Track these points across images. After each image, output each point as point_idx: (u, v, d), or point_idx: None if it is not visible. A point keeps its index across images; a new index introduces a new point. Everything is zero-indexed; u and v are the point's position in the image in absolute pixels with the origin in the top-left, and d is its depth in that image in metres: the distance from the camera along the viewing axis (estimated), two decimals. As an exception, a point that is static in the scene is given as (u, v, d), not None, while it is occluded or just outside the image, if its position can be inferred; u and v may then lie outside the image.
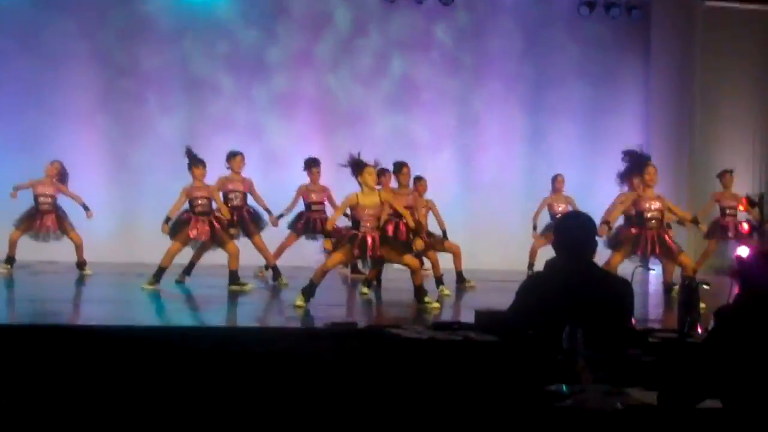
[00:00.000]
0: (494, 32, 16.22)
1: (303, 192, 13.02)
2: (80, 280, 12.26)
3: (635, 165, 11.20)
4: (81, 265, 12.84)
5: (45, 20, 14.65)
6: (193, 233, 11.38)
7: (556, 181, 14.03)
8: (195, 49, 15.26)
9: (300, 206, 13.04)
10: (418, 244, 10.93)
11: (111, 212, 14.53)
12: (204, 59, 15.29)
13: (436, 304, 10.18)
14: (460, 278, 12.57)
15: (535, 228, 13.91)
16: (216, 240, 11.54)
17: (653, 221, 11.12)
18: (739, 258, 3.92)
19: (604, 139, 16.47)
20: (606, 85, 16.62)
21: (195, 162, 11.66)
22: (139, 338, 7.18)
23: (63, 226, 12.83)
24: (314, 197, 12.98)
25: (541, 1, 16.39)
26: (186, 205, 11.60)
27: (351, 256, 10.45)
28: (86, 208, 12.95)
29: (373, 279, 11.74)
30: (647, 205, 11.15)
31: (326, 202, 13.00)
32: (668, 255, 11.11)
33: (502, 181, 15.85)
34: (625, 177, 11.41)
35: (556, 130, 16.30)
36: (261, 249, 12.46)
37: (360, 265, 12.28)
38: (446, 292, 11.56)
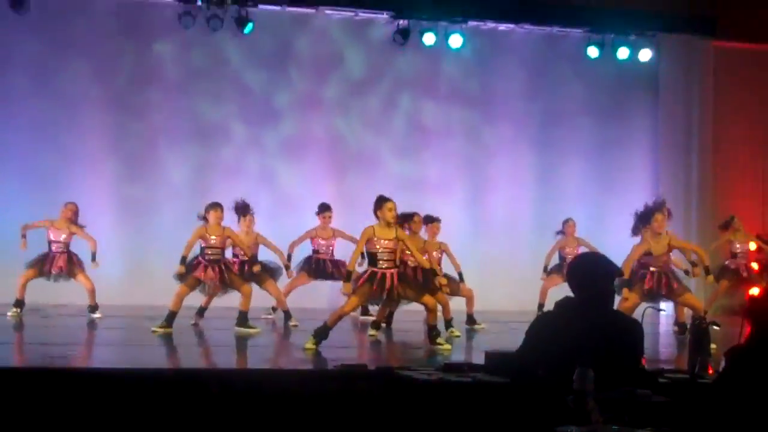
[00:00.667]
0: (503, 72, 16.27)
1: (312, 235, 13.14)
2: (91, 324, 12.23)
3: (642, 219, 11.45)
4: (93, 308, 12.82)
5: (60, 63, 14.72)
6: (201, 275, 11.38)
7: (567, 226, 14.07)
8: (205, 95, 15.30)
9: (307, 249, 13.11)
10: (442, 280, 10.99)
11: (121, 255, 14.55)
12: (213, 104, 15.34)
13: (448, 346, 10.18)
14: (471, 321, 12.62)
15: (546, 269, 13.94)
16: (227, 284, 11.54)
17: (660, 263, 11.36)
18: (750, 298, 3.91)
19: (614, 177, 16.50)
20: (615, 124, 16.63)
21: (212, 206, 11.68)
22: (150, 381, 7.19)
23: (73, 270, 12.82)
24: (323, 242, 13.13)
25: (549, 41, 16.46)
26: (198, 250, 11.59)
27: (368, 298, 10.45)
28: (93, 258, 12.88)
29: (382, 321, 11.75)
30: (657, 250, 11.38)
31: (334, 247, 13.18)
32: (673, 295, 11.23)
33: (512, 220, 15.84)
34: (635, 232, 11.59)
35: (565, 169, 16.31)
36: (276, 294, 12.51)
37: (369, 306, 12.32)
38: (456, 333, 11.57)
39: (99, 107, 14.88)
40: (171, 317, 11.12)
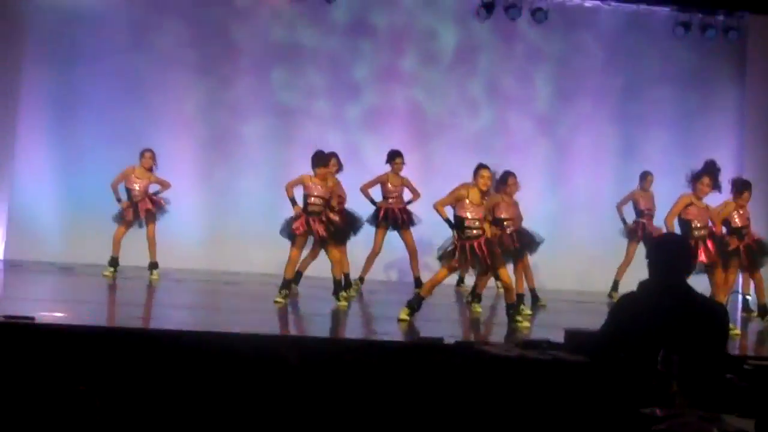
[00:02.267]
0: (586, 49, 16.01)
1: (383, 180, 13.16)
2: (163, 286, 12.37)
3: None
4: (153, 265, 12.86)
5: (157, 24, 14.80)
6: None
7: (645, 180, 14.03)
8: (286, 69, 15.28)
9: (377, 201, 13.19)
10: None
11: (200, 219, 14.69)
12: (294, 78, 15.30)
13: (527, 323, 10.16)
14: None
15: (624, 223, 13.96)
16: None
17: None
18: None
19: (698, 154, 16.19)
20: (700, 103, 16.33)
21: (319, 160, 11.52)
22: (225, 345, 7.29)
23: (154, 215, 12.85)
24: (392, 189, 13.10)
25: (635, 19, 16.22)
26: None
27: (458, 267, 10.39)
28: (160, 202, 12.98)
29: (480, 292, 11.66)
30: None
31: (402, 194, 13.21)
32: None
33: (593, 196, 15.65)
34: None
35: (648, 146, 16.08)
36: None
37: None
38: (526, 311, 11.42)
39: (191, 72, 14.92)
40: (287, 284, 11.14)
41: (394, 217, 13.05)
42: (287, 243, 11.32)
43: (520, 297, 11.31)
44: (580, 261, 15.21)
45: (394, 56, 15.55)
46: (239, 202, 14.79)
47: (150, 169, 13.02)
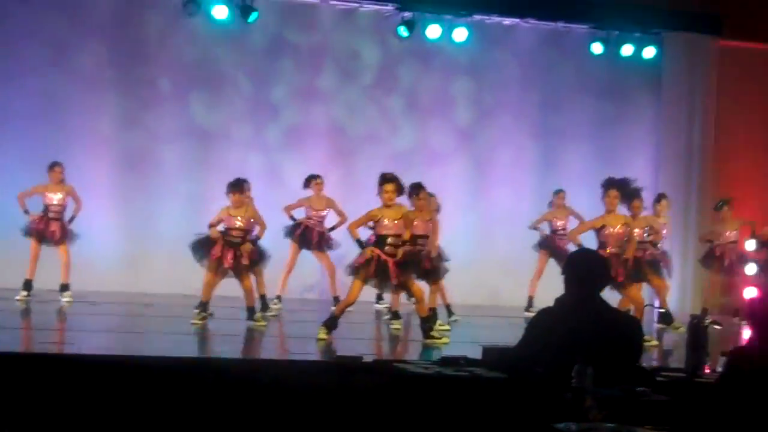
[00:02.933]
0: (506, 67, 16.18)
1: (306, 204, 13.22)
2: (77, 309, 12.12)
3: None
4: (64, 287, 12.59)
5: (76, 44, 14.55)
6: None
7: (557, 197, 14.24)
8: (205, 90, 15.14)
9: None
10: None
11: (118, 240, 14.46)
12: (213, 100, 15.16)
13: (445, 339, 10.13)
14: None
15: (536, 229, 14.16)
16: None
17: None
18: (750, 301, 3.87)
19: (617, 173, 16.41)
20: (617, 120, 16.53)
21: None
22: (143, 368, 7.14)
23: (63, 238, 12.59)
24: (313, 212, 13.21)
25: (553, 36, 16.37)
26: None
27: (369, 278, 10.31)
28: (71, 219, 12.68)
29: (397, 309, 11.62)
30: None
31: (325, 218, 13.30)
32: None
33: (514, 211, 15.71)
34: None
35: (567, 166, 16.22)
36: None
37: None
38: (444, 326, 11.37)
39: (109, 92, 14.72)
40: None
41: (309, 237, 13.00)
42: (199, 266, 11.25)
43: (434, 312, 11.13)
44: (501, 275, 15.27)
45: (313, 75, 15.49)
46: (157, 223, 14.59)
47: (62, 182, 12.75)
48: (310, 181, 13.24)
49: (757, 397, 3.35)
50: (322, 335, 9.83)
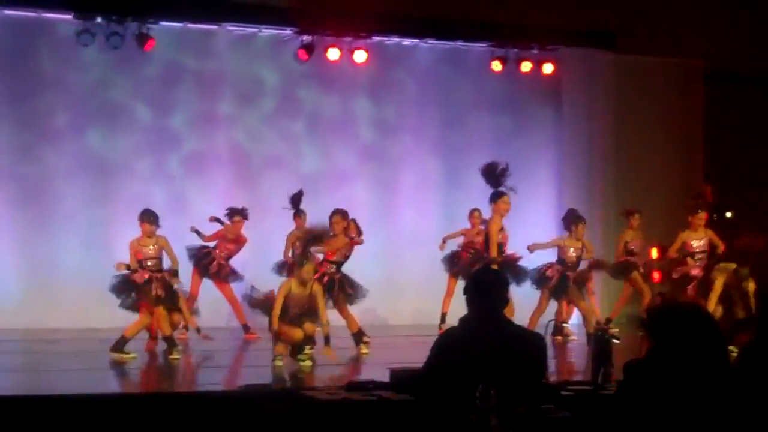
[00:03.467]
0: (407, 87, 16.28)
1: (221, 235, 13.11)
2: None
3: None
4: None
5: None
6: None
7: (472, 217, 14.21)
8: (105, 117, 14.94)
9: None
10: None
11: (14, 278, 14.15)
12: (112, 130, 14.95)
13: (308, 363, 10.03)
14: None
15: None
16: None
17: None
18: (648, 310, 3.92)
19: (519, 189, 16.56)
20: (519, 136, 16.71)
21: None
22: (41, 406, 6.98)
23: None
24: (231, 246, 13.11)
25: (453, 55, 16.52)
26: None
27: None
28: None
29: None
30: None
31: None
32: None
33: (418, 233, 15.76)
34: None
35: (470, 183, 16.29)
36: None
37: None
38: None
39: (5, 126, 14.42)
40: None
41: (210, 266, 12.88)
42: (105, 299, 11.03)
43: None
44: (413, 295, 15.28)
45: (213, 102, 15.37)
46: (59, 259, 14.30)
47: None
48: (232, 216, 13.20)
49: (652, 410, 3.37)
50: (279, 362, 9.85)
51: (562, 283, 12.32)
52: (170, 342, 10.67)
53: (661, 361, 3.41)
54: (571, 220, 12.78)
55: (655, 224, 15.15)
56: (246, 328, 12.95)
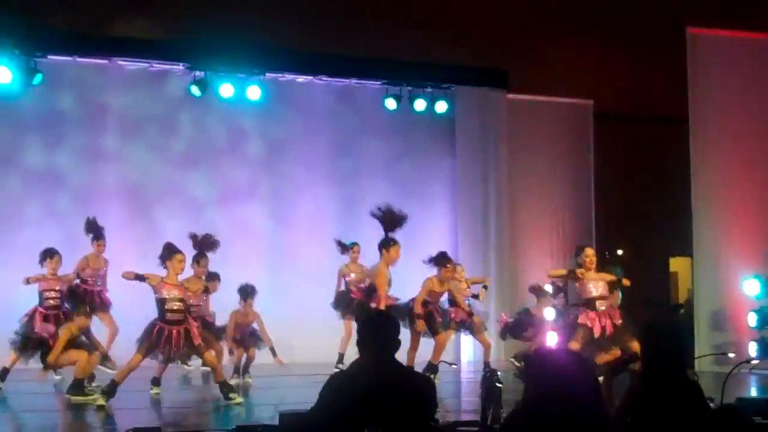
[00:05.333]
0: (302, 124, 16.27)
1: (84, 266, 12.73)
2: None
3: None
4: None
5: None
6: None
7: (352, 251, 14.00)
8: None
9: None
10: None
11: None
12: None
13: (240, 399, 9.95)
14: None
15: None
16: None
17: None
18: (526, 356, 3.92)
19: (413, 225, 16.62)
20: (413, 175, 16.85)
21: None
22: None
23: None
24: (89, 271, 12.72)
25: (347, 93, 16.59)
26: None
27: (154, 350, 10.05)
28: None
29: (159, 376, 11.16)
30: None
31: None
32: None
33: (314, 271, 15.67)
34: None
35: (364, 219, 16.35)
36: None
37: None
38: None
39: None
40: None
41: (90, 300, 12.48)
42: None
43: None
44: (309, 333, 15.14)
45: (100, 137, 15.20)
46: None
47: None
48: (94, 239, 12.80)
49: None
50: (101, 402, 9.55)
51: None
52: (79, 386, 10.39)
53: (535, 410, 3.41)
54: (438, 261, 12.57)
55: (544, 256, 15.35)
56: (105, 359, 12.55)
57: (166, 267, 10.08)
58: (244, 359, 12.20)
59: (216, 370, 10.16)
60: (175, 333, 9.89)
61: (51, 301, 11.46)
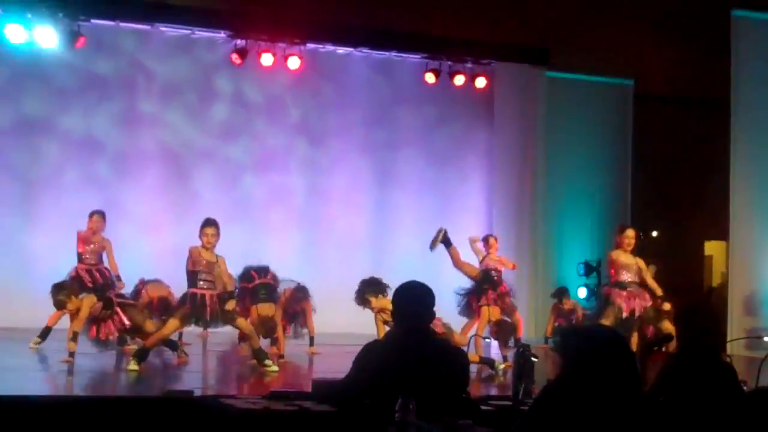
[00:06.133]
0: (340, 95, 16.31)
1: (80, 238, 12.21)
2: None
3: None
4: None
5: None
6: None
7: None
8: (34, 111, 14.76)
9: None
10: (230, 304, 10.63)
11: None
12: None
13: (275, 367, 10.04)
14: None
15: None
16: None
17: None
18: (561, 332, 3.92)
19: (449, 199, 16.70)
20: (451, 149, 16.86)
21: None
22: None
23: None
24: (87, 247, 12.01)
25: (387, 66, 16.57)
26: None
27: (188, 318, 10.17)
28: None
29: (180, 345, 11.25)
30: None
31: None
32: None
33: (349, 240, 15.76)
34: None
35: (401, 192, 16.41)
36: None
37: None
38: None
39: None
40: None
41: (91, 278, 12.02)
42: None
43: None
44: (345, 303, 15.14)
45: (139, 102, 15.24)
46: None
47: None
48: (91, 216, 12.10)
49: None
50: (133, 366, 9.65)
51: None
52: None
53: (571, 385, 3.41)
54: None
55: (583, 237, 15.32)
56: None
57: (200, 237, 10.17)
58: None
59: (252, 337, 10.22)
60: (208, 296, 9.97)
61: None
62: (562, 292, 14.85)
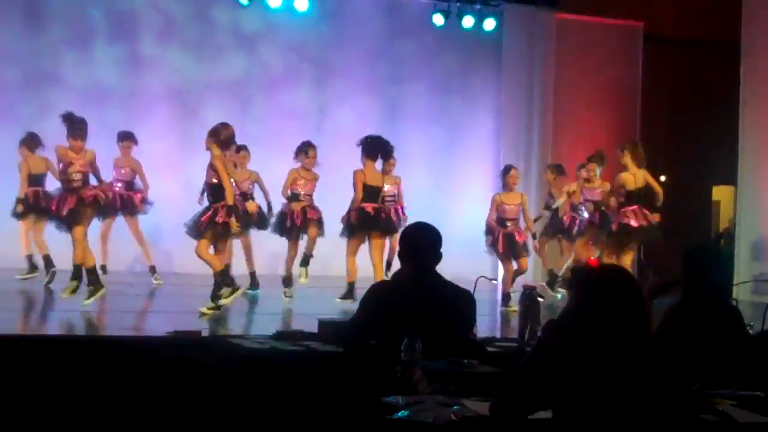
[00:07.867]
0: (348, 37, 16.20)
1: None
2: None
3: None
4: None
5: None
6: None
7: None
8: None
9: None
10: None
11: None
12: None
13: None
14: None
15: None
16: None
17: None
18: (573, 270, 3.92)
19: (458, 142, 16.68)
20: (459, 92, 16.80)
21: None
22: None
23: None
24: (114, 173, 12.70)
25: (395, 7, 16.44)
26: None
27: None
28: None
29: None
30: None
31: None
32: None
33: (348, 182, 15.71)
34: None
35: (410, 135, 16.34)
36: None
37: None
38: None
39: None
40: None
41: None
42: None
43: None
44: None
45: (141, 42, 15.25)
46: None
47: None
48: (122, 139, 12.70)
49: (571, 368, 3.39)
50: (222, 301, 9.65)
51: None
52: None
53: (578, 323, 3.41)
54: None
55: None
56: (153, 270, 12.81)
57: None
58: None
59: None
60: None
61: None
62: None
